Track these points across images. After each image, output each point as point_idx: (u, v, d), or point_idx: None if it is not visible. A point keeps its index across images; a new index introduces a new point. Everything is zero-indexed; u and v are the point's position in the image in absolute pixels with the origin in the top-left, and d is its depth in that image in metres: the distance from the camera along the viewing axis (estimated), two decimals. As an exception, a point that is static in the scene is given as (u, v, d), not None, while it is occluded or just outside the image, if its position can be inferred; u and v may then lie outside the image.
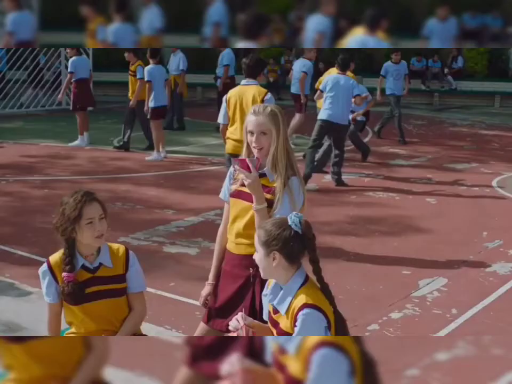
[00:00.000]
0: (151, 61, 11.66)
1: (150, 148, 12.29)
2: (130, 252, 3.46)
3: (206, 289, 3.75)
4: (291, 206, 3.37)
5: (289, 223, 2.84)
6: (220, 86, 14.34)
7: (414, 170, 11.30)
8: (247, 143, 3.53)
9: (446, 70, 21.94)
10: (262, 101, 6.68)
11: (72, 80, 12.85)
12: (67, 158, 11.78)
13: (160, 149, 11.83)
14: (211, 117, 6.71)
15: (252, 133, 3.48)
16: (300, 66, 12.59)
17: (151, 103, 11.58)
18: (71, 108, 13.35)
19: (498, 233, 7.79)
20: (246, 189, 3.46)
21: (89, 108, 13.37)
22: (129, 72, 12.31)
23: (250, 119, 3.49)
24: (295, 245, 2.82)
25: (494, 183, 10.41)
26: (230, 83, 13.49)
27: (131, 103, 12.12)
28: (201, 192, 9.48)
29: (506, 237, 7.67)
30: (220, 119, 7.10)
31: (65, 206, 3.28)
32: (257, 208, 3.39)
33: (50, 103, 17.56)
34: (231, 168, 3.67)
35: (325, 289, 2.86)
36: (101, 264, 3.36)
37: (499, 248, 7.29)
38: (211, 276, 3.76)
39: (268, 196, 3.42)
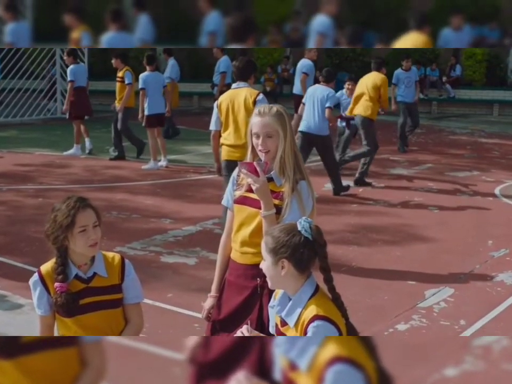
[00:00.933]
0: (147, 67, 11.51)
1: (140, 153, 12.17)
2: (126, 261, 3.25)
3: (209, 302, 3.53)
4: (300, 211, 3.18)
5: (299, 228, 2.65)
6: (217, 94, 14.08)
7: (414, 179, 11.14)
8: (252, 146, 3.33)
9: (444, 79, 21.88)
10: (254, 102, 6.47)
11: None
12: (62, 167, 11.61)
13: (162, 158, 11.67)
14: (208, 125, 6.57)
15: (257, 135, 3.28)
16: (300, 67, 12.95)
17: (145, 111, 11.41)
18: (67, 117, 13.17)
19: (504, 242, 7.62)
20: (251, 195, 3.27)
21: (86, 117, 13.19)
22: (117, 78, 12.13)
23: (255, 121, 3.28)
24: (305, 252, 2.62)
25: (496, 191, 10.25)
26: (227, 90, 13.28)
27: (118, 108, 11.95)
28: (199, 201, 9.31)
29: (512, 245, 7.51)
30: (212, 126, 6.83)
31: (57, 212, 3.08)
32: (266, 215, 3.19)
33: (45, 111, 17.37)
34: (234, 173, 3.48)
35: (336, 300, 2.67)
36: (95, 273, 3.16)
37: (505, 257, 7.12)
38: (214, 287, 3.54)
39: (276, 201, 3.23)
